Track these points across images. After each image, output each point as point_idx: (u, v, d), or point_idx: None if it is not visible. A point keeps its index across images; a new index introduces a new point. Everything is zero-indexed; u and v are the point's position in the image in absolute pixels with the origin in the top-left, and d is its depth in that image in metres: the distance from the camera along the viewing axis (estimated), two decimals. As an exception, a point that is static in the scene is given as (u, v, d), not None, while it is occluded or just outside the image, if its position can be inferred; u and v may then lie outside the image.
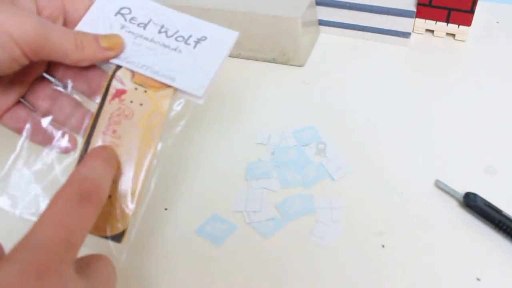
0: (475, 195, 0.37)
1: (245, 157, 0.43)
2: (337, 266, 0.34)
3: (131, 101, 0.29)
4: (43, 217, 0.21)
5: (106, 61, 0.29)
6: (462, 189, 0.38)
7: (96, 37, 0.29)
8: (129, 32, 0.30)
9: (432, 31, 0.59)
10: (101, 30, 0.30)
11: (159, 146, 0.28)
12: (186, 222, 0.38)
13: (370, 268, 0.34)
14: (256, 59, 0.57)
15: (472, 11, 0.54)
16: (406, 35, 0.57)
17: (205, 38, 0.30)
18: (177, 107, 0.29)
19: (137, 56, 0.30)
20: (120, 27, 0.30)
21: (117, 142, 0.28)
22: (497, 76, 0.52)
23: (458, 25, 0.56)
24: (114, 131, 0.28)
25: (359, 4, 0.57)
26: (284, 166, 0.42)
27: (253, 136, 0.46)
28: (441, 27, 0.58)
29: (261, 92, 0.52)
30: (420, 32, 0.59)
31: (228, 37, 0.30)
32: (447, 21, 0.57)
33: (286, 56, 0.56)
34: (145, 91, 0.29)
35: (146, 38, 0.30)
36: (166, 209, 0.39)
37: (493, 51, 0.56)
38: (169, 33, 0.30)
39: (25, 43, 0.25)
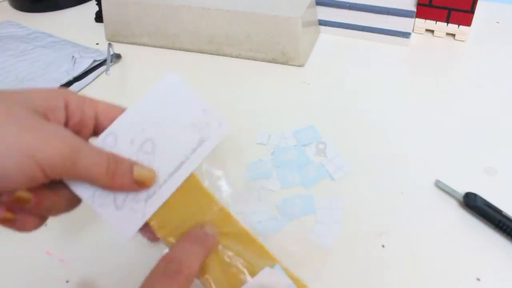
0: (475, 195, 0.37)
1: (245, 157, 0.43)
2: (337, 266, 0.34)
3: None
4: None
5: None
6: (462, 189, 0.38)
7: (130, 167, 0.27)
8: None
9: (432, 31, 0.59)
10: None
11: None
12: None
13: (370, 268, 0.34)
14: (256, 59, 0.57)
15: (472, 11, 0.54)
16: (406, 35, 0.57)
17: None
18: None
19: None
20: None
21: None
22: (497, 76, 0.52)
23: (458, 25, 0.56)
24: None
25: (359, 4, 0.58)
26: (284, 166, 0.42)
27: (253, 136, 0.46)
28: (441, 27, 0.58)
29: (261, 92, 0.52)
30: (420, 32, 0.59)
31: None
32: (447, 21, 0.57)
33: (286, 56, 0.56)
34: None
35: None
36: (166, 209, 0.39)
37: (493, 51, 0.56)
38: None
39: (49, 166, 0.23)
